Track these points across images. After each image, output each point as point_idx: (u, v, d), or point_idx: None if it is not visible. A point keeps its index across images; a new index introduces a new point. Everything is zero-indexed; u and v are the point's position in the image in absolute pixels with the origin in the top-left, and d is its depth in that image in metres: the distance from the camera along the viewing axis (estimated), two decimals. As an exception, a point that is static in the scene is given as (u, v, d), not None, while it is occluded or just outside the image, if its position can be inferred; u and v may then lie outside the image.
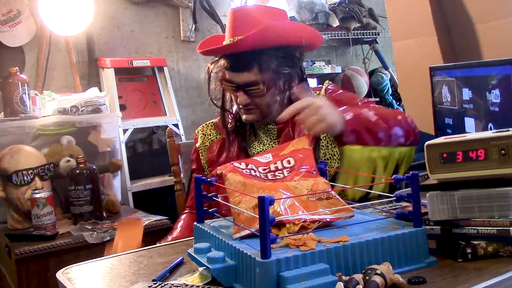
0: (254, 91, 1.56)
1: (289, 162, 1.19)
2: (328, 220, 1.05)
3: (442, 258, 1.03)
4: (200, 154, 1.73)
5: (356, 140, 1.40)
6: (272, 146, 1.63)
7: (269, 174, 1.17)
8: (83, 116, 2.40)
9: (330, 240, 0.96)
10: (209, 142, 1.73)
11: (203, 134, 1.75)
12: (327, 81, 1.75)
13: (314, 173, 1.17)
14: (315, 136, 1.46)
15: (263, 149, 1.64)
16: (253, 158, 1.22)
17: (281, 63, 1.57)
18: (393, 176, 1.07)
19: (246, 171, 1.16)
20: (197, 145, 1.75)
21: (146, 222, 2.17)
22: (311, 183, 1.11)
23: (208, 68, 1.67)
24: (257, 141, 1.67)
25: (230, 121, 1.70)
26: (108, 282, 1.10)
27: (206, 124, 1.77)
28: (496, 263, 0.99)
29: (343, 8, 3.58)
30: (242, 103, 1.58)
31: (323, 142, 1.59)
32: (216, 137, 1.73)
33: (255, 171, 1.16)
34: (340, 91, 1.70)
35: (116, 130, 2.57)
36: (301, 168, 1.17)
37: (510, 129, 1.05)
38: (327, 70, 3.59)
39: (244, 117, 1.63)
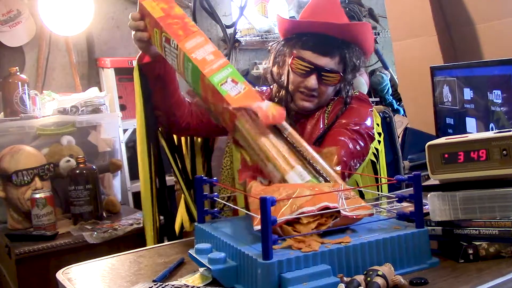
0: (328, 79, 1.54)
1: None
2: (347, 214, 1.02)
3: (443, 259, 1.03)
4: None
5: None
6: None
7: None
8: (83, 116, 2.39)
9: (332, 241, 0.96)
10: None
11: None
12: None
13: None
14: None
15: None
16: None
17: (357, 63, 1.58)
18: (395, 176, 1.07)
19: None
20: None
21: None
22: (331, 184, 1.10)
23: (272, 47, 1.65)
24: None
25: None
26: (108, 282, 1.10)
27: None
28: (498, 264, 0.99)
29: (343, 8, 3.57)
30: (311, 87, 1.54)
31: None
32: None
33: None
34: (355, 106, 1.63)
35: (116, 130, 2.56)
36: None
37: (512, 129, 1.05)
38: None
39: (300, 103, 1.58)
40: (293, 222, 1.00)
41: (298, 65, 1.54)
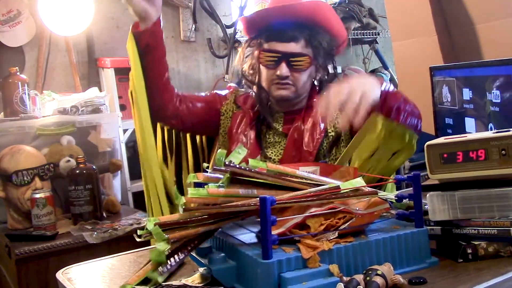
0: (298, 64, 1.54)
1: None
2: (363, 212, 0.99)
3: (442, 259, 1.03)
4: (224, 106, 1.69)
5: (383, 111, 1.31)
6: (280, 131, 1.60)
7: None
8: (83, 116, 2.39)
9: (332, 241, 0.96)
10: (232, 110, 1.68)
11: (231, 99, 1.70)
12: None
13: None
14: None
15: (274, 133, 1.61)
16: None
17: (325, 45, 1.57)
18: (395, 176, 1.07)
19: None
20: (227, 101, 1.70)
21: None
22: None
23: (242, 48, 1.66)
24: (266, 127, 1.63)
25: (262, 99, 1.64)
26: (108, 282, 1.10)
27: (231, 92, 1.73)
28: (496, 263, 0.99)
29: (343, 8, 3.58)
30: (283, 75, 1.54)
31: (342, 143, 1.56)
32: (237, 109, 1.68)
33: None
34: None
35: (116, 130, 2.56)
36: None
37: (511, 129, 1.05)
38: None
39: (277, 92, 1.57)
40: (302, 230, 0.98)
41: (266, 57, 1.56)
